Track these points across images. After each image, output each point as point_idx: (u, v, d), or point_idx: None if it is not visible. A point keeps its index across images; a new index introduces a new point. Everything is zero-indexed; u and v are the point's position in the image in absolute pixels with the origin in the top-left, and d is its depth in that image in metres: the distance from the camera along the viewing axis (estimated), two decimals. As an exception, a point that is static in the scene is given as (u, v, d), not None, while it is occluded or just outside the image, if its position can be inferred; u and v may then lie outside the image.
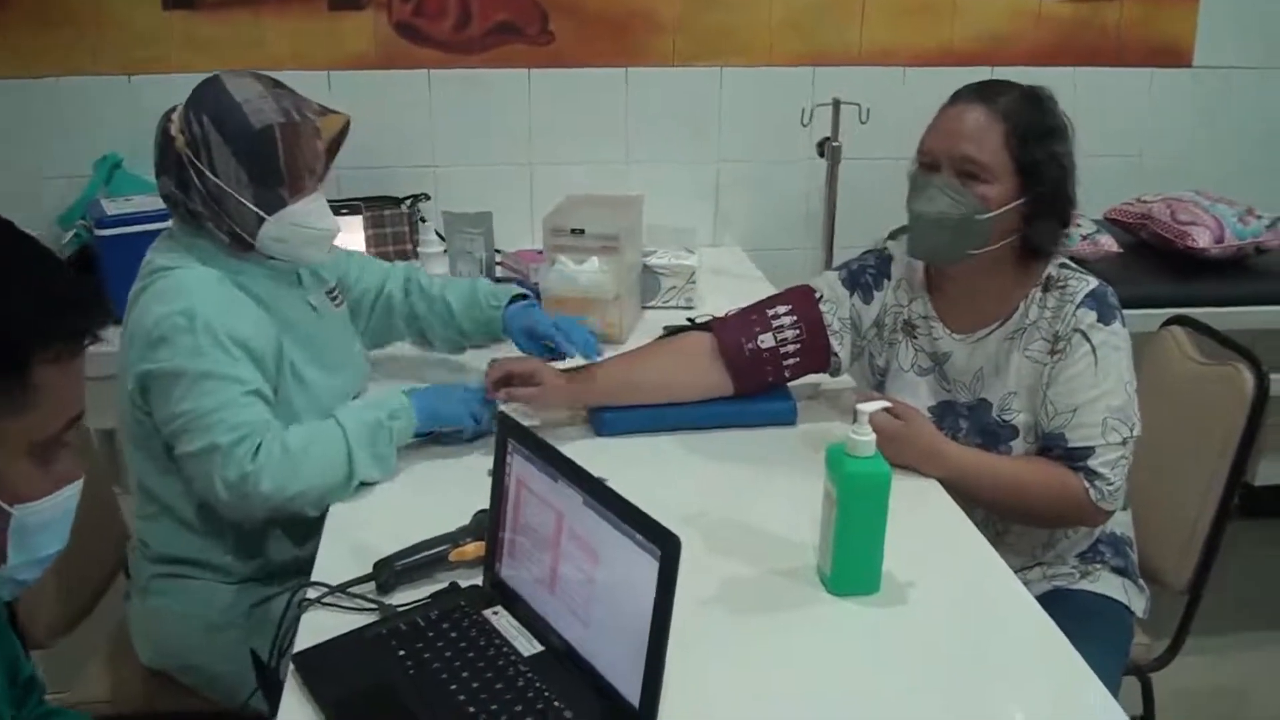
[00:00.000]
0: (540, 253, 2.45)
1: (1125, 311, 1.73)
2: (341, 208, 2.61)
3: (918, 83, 2.93)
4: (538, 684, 1.23)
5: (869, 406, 1.41)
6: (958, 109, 1.72)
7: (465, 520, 1.49)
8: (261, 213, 1.66)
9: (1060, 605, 1.66)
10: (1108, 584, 1.83)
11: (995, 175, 1.68)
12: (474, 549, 1.45)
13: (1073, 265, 1.78)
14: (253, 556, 1.75)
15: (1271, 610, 2.93)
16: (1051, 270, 1.76)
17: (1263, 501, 3.03)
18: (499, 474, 1.39)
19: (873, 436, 1.39)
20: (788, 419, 1.91)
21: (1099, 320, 1.69)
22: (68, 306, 1.03)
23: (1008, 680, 1.33)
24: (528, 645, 1.30)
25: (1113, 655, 1.76)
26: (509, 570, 1.38)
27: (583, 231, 2.25)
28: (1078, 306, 1.70)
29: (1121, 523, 1.88)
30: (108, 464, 2.15)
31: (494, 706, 1.20)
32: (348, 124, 1.77)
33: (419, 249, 2.69)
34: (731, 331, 1.89)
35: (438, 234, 2.69)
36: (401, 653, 1.29)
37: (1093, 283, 1.73)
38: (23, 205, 2.58)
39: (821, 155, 2.72)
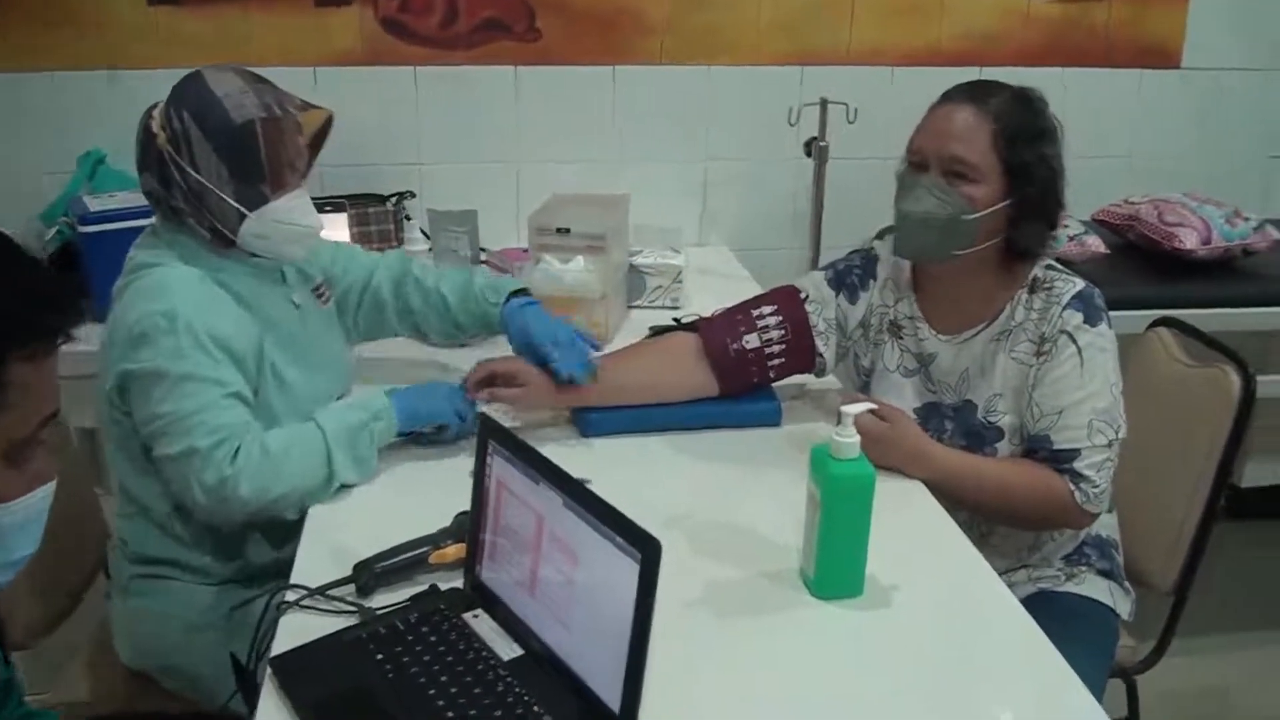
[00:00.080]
0: (526, 251, 2.44)
1: (1112, 313, 1.72)
2: (326, 205, 2.59)
3: (905, 83, 2.93)
4: (517, 688, 1.22)
5: (853, 408, 1.40)
6: (947, 108, 1.71)
7: (446, 522, 1.48)
8: (243, 209, 1.64)
9: (1045, 608, 1.66)
10: (1093, 586, 1.83)
11: (983, 176, 1.67)
12: (454, 551, 1.44)
13: (1059, 267, 1.77)
14: (232, 558, 1.74)
15: (1257, 612, 2.94)
16: (1038, 271, 1.75)
17: (1249, 503, 3.04)
18: (479, 476, 1.38)
19: (857, 438, 1.38)
20: (773, 420, 1.91)
21: (1085, 322, 1.69)
22: (43, 304, 1.02)
23: (991, 683, 1.33)
24: (507, 649, 1.29)
25: (1098, 657, 1.76)
26: (489, 573, 1.37)
27: (568, 230, 2.24)
28: (1064, 308, 1.70)
29: (1107, 525, 1.87)
30: (89, 463, 2.13)
31: (473, 712, 1.19)
32: (330, 119, 1.76)
33: (404, 247, 2.67)
34: (717, 332, 1.88)
35: (423, 232, 2.67)
36: (380, 656, 1.28)
37: (1079, 284, 1.72)
38: (5, 201, 2.57)
39: (809, 155, 2.71)
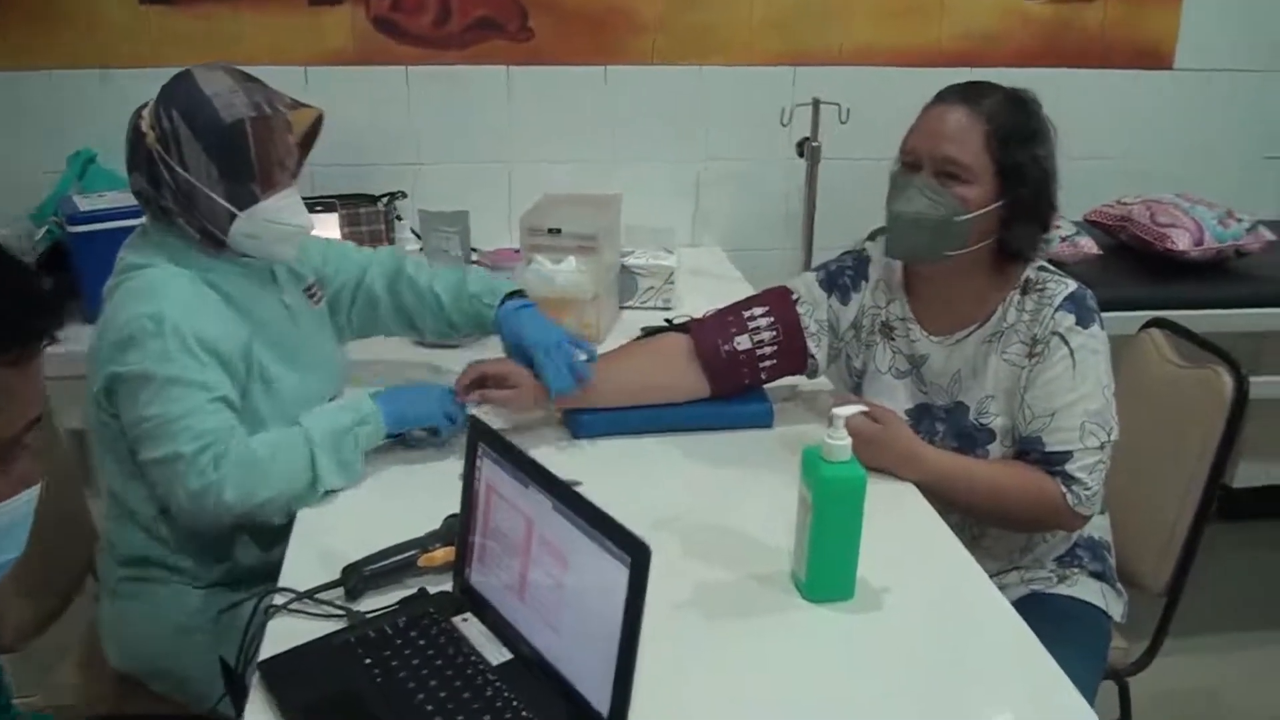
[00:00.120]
0: (518, 252, 2.43)
1: (1104, 314, 1.72)
2: (317, 205, 2.58)
3: (898, 83, 2.91)
4: (506, 693, 1.21)
5: (845, 410, 1.40)
6: (940, 109, 1.71)
7: (435, 525, 1.47)
8: (233, 209, 1.63)
9: (1037, 610, 1.65)
10: (1085, 588, 1.82)
11: (975, 176, 1.67)
12: (443, 554, 1.43)
13: (1051, 268, 1.77)
14: (220, 561, 1.73)
15: (1249, 613, 2.94)
16: (1030, 273, 1.75)
17: (1241, 504, 3.04)
18: (469, 478, 1.37)
19: (848, 440, 1.38)
20: (764, 421, 1.90)
21: (1077, 323, 1.68)
22: (26, 307, 1.01)
23: (983, 686, 1.32)
24: (497, 653, 1.28)
25: (1090, 660, 1.75)
26: (479, 576, 1.36)
27: (560, 231, 2.23)
28: (1056, 309, 1.69)
29: (1099, 527, 1.87)
30: (77, 464, 2.12)
31: (461, 716, 1.18)
32: (320, 118, 1.75)
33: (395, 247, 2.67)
34: (708, 333, 1.88)
35: (414, 232, 2.67)
36: (368, 660, 1.27)
37: (1071, 285, 1.72)
38: (3, 200, 2.56)
39: (801, 155, 2.71)
